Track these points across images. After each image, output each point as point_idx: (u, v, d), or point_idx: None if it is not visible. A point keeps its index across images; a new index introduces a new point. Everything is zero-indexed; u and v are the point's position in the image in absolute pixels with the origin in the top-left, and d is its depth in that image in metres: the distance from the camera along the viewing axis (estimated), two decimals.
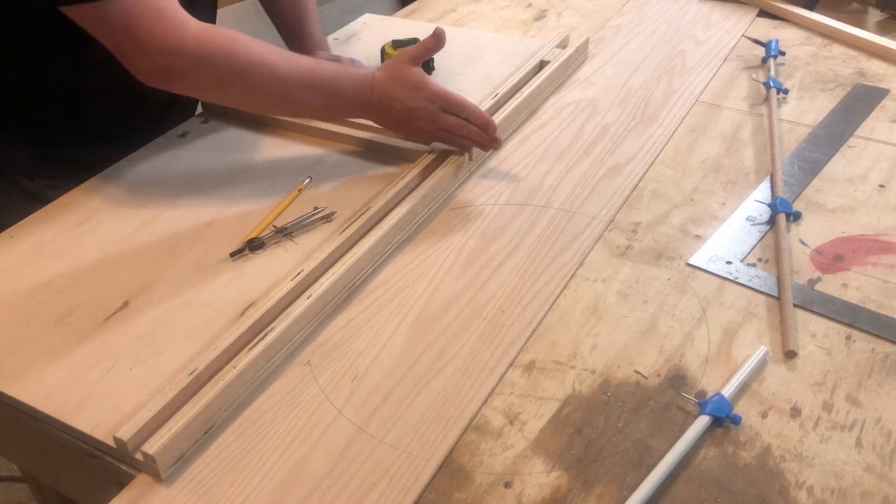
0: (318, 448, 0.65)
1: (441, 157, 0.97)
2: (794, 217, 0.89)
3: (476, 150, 0.99)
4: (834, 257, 0.84)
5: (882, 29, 1.34)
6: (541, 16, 1.46)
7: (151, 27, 0.82)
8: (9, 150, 1.02)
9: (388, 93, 0.92)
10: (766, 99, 1.12)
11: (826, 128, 1.06)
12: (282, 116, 1.04)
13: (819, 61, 1.24)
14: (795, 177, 0.97)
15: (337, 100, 0.92)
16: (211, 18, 1.12)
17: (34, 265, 0.85)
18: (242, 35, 0.88)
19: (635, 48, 1.30)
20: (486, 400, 0.69)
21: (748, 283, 0.81)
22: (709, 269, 0.83)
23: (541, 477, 0.63)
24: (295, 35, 1.18)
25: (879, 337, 0.74)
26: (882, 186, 0.94)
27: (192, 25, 0.84)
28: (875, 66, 1.22)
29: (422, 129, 0.93)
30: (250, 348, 0.71)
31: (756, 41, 1.27)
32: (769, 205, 0.91)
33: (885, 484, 0.61)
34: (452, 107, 0.92)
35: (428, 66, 1.17)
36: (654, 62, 1.25)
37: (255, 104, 0.96)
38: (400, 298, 0.80)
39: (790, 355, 0.72)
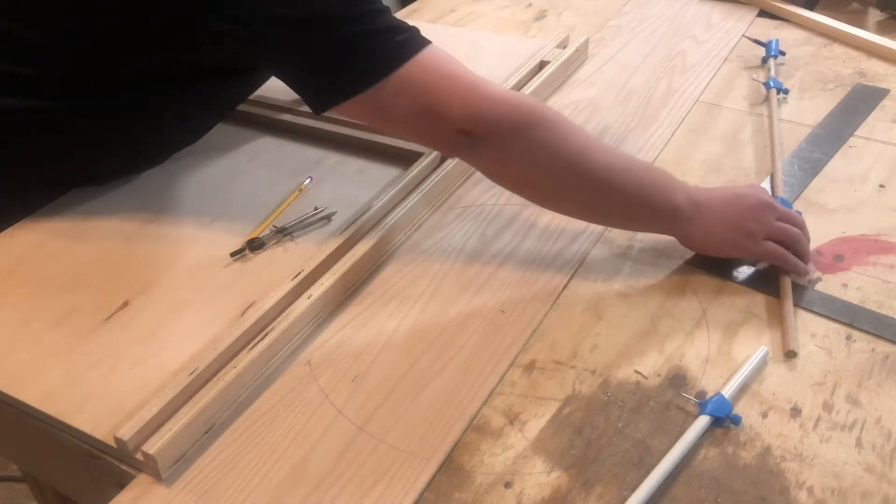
0: (318, 448, 0.65)
1: (441, 158, 0.97)
2: None
3: None
4: (834, 257, 0.84)
5: (882, 29, 1.34)
6: (541, 16, 1.46)
7: (450, 94, 0.75)
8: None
9: (711, 195, 0.81)
10: (766, 99, 1.12)
11: (826, 128, 1.06)
12: (577, 211, 0.84)
13: (819, 61, 1.24)
14: (795, 177, 0.97)
15: (651, 188, 0.79)
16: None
17: (34, 265, 0.85)
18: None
19: (635, 48, 1.30)
20: (486, 400, 0.69)
21: (748, 283, 0.81)
22: (709, 269, 0.83)
23: (541, 477, 0.63)
24: None
25: (879, 337, 0.74)
26: (882, 186, 0.94)
27: (495, 88, 0.78)
28: (875, 66, 1.22)
29: (751, 231, 0.79)
30: (250, 348, 0.71)
31: (756, 41, 1.27)
32: None
33: (885, 484, 0.61)
34: (790, 220, 0.81)
35: None
36: (654, 62, 1.25)
37: (561, 183, 0.79)
38: (400, 298, 0.80)
39: (790, 355, 0.72)
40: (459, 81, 0.76)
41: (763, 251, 0.79)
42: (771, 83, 1.13)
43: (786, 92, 1.14)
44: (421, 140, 0.82)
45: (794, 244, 0.80)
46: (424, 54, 0.76)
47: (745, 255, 0.81)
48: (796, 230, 0.80)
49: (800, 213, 0.84)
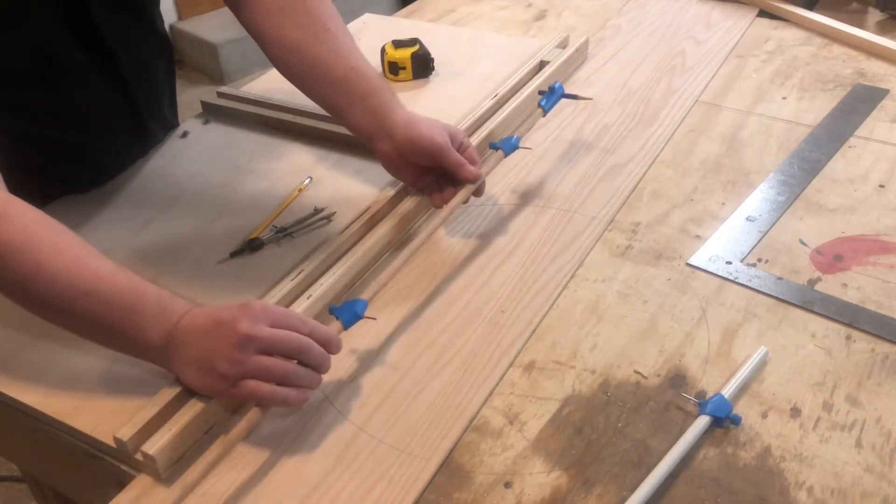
0: (318, 448, 0.65)
1: None
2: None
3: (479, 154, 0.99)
4: (834, 257, 0.84)
5: (882, 29, 1.34)
6: (541, 16, 1.46)
7: None
8: None
9: (194, 325, 0.65)
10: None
11: (826, 128, 1.06)
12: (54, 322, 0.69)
13: (819, 61, 1.24)
14: (795, 177, 0.97)
15: (120, 321, 0.65)
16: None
17: None
18: (24, 210, 0.66)
19: (635, 48, 1.30)
20: (486, 400, 0.69)
21: (748, 283, 0.81)
22: (709, 269, 0.83)
23: (541, 477, 0.63)
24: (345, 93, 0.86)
25: (879, 337, 0.74)
26: (882, 186, 0.94)
27: None
28: (875, 66, 1.22)
29: (222, 374, 0.63)
30: None
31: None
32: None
33: (885, 484, 0.61)
34: (280, 346, 0.65)
35: (427, 67, 1.17)
36: (654, 62, 1.25)
37: (17, 301, 0.68)
38: (400, 298, 0.80)
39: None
40: None
41: (238, 394, 0.64)
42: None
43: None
44: None
45: (282, 378, 0.64)
46: None
47: (226, 399, 0.68)
48: (280, 364, 0.64)
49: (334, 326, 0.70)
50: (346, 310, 0.71)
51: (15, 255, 0.64)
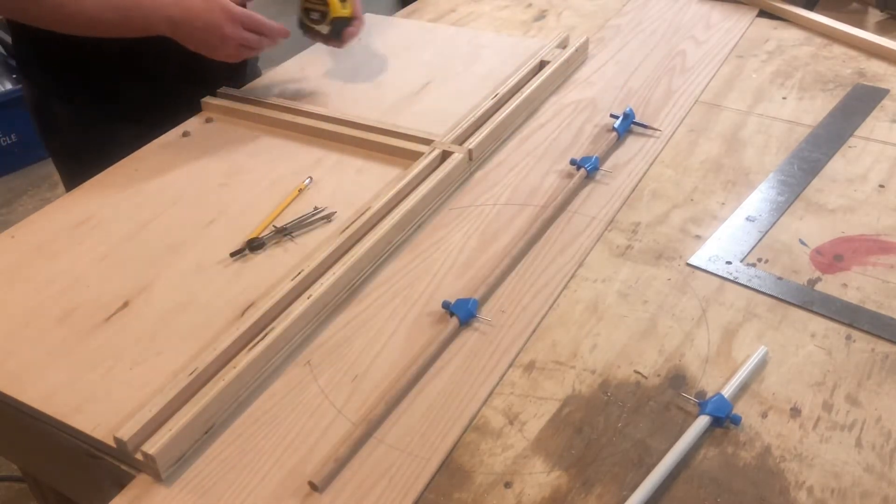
0: (318, 448, 0.65)
1: (441, 157, 0.97)
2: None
3: (477, 151, 0.99)
4: (834, 257, 0.84)
5: (882, 29, 1.34)
6: (541, 16, 1.46)
7: None
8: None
9: (191, 8, 0.96)
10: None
11: (826, 128, 1.06)
12: (73, 30, 0.98)
13: (819, 61, 1.24)
14: (795, 177, 0.97)
15: (136, 20, 0.95)
16: None
17: (34, 265, 0.85)
18: None
19: (635, 48, 1.30)
20: (486, 400, 0.69)
21: (748, 283, 0.81)
22: (709, 269, 0.83)
23: (541, 477, 0.63)
24: None
25: (879, 337, 0.74)
26: (882, 186, 0.94)
27: None
28: (875, 66, 1.22)
29: (222, 45, 0.98)
30: (250, 348, 0.71)
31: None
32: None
33: (884, 484, 0.61)
34: (254, 25, 1.00)
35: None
36: (654, 62, 1.25)
37: (53, 23, 0.95)
38: (400, 298, 0.80)
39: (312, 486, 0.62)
40: None
41: (239, 55, 1.01)
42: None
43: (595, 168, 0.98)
44: None
45: (257, 45, 1.01)
46: None
47: (226, 58, 1.00)
48: (256, 37, 1.00)
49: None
50: (461, 307, 0.76)
51: None
